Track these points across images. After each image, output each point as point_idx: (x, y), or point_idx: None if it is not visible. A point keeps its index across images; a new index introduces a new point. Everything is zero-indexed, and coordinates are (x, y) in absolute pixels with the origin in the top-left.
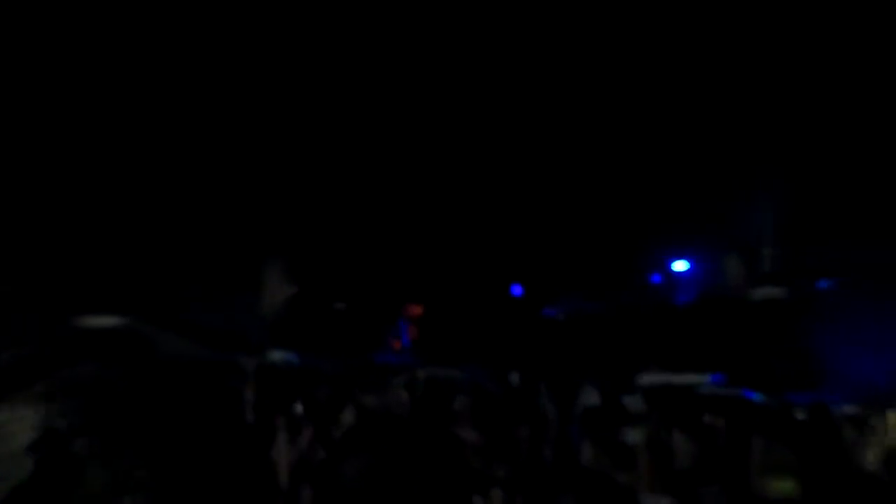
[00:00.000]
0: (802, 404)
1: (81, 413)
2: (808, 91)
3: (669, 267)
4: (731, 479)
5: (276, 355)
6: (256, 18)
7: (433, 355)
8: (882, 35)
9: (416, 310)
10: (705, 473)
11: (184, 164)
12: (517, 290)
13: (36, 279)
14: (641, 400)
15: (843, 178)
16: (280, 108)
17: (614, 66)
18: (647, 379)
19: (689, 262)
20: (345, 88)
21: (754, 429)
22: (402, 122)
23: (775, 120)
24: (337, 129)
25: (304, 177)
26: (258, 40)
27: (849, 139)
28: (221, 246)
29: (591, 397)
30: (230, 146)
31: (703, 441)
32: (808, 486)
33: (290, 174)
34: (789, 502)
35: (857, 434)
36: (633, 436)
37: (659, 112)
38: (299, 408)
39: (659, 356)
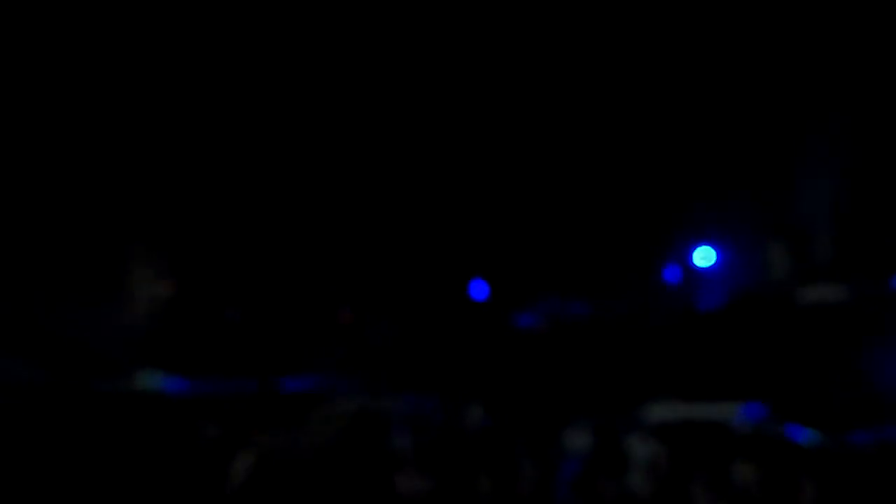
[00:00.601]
0: (869, 445)
1: None
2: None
3: (689, 259)
4: None
5: (146, 379)
6: None
7: (365, 379)
8: None
9: (344, 318)
10: None
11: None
12: (479, 289)
13: None
14: (650, 442)
15: None
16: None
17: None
18: (658, 412)
19: (715, 252)
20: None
21: (803, 480)
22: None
23: (830, 62)
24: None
25: (181, 149)
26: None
27: None
28: (71, 234)
29: (579, 438)
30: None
31: (734, 498)
32: None
33: (163, 146)
34: None
35: None
36: (639, 490)
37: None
38: (178, 451)
39: (674, 380)
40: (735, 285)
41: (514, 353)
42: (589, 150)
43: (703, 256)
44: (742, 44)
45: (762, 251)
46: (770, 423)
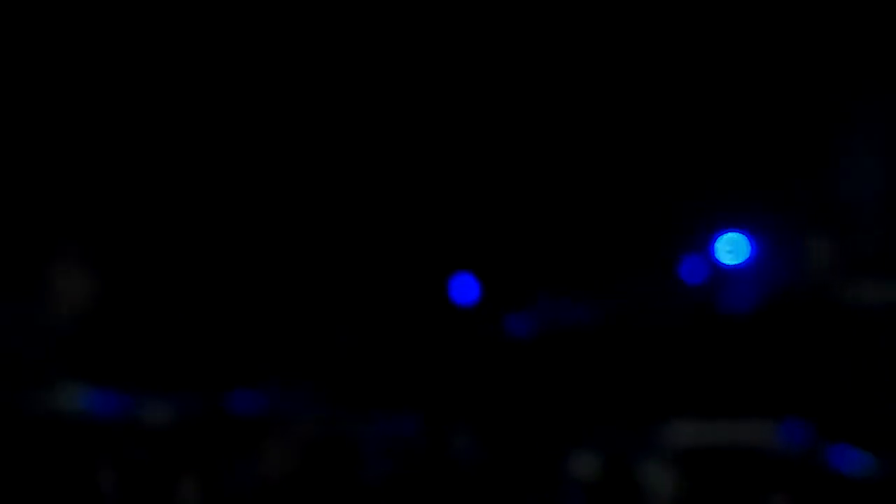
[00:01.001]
0: None
1: None
2: None
3: (714, 253)
4: None
5: (70, 393)
6: None
7: (330, 397)
8: None
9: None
10: None
11: None
12: (466, 289)
13: None
14: (668, 470)
15: None
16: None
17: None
18: (679, 434)
19: (746, 244)
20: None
21: None
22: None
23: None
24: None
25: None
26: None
27: None
28: None
29: (585, 465)
30: None
31: None
32: None
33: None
34: None
35: None
36: None
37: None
38: (107, 480)
39: (697, 396)
40: (768, 283)
41: (505, 366)
42: (593, 123)
43: (730, 249)
44: (778, 17)
45: (800, 243)
46: (813, 447)
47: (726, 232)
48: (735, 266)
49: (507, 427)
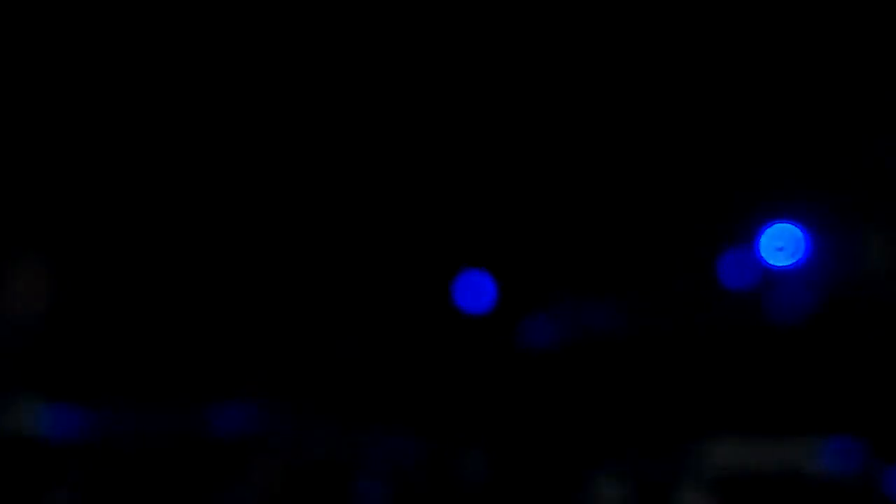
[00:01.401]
0: None
1: None
2: None
3: (759, 251)
4: None
5: (25, 408)
6: None
7: (323, 413)
8: None
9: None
10: None
11: None
12: (470, 291)
13: None
14: (705, 495)
15: None
16: None
17: None
18: (717, 455)
19: (798, 240)
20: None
21: None
22: None
23: None
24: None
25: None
26: None
27: None
28: None
29: (611, 489)
30: None
31: None
32: None
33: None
34: None
35: None
36: None
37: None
38: None
39: (738, 412)
40: (821, 285)
41: (521, 379)
42: (625, 106)
43: (779, 247)
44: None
45: (858, 240)
46: (868, 469)
47: (774, 226)
48: (784, 267)
49: (522, 448)
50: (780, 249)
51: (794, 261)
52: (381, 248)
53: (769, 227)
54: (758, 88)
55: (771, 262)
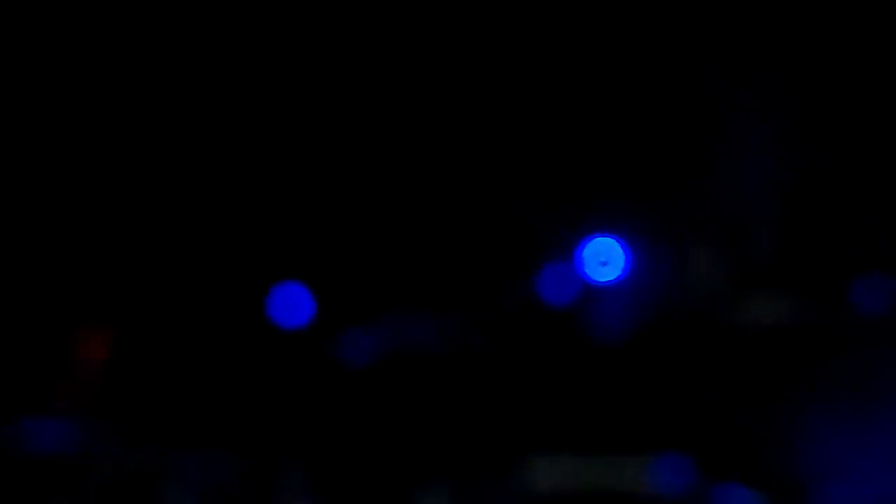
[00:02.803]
0: None
1: None
2: None
3: (580, 267)
4: None
5: None
6: None
7: (127, 428)
8: None
9: (97, 342)
10: None
11: None
12: (287, 303)
13: None
14: None
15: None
16: None
17: None
18: (540, 472)
19: (620, 253)
20: None
21: None
22: None
23: None
24: None
25: None
26: None
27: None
28: None
29: None
30: None
31: None
32: None
33: None
34: None
35: None
36: None
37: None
38: None
39: (562, 429)
40: (644, 301)
41: (341, 395)
42: (443, 111)
43: (600, 262)
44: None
45: (681, 255)
46: (695, 486)
47: (595, 241)
48: (606, 283)
49: (342, 466)
50: (602, 264)
51: (615, 275)
52: (198, 257)
53: (590, 241)
54: (576, 98)
55: (592, 276)
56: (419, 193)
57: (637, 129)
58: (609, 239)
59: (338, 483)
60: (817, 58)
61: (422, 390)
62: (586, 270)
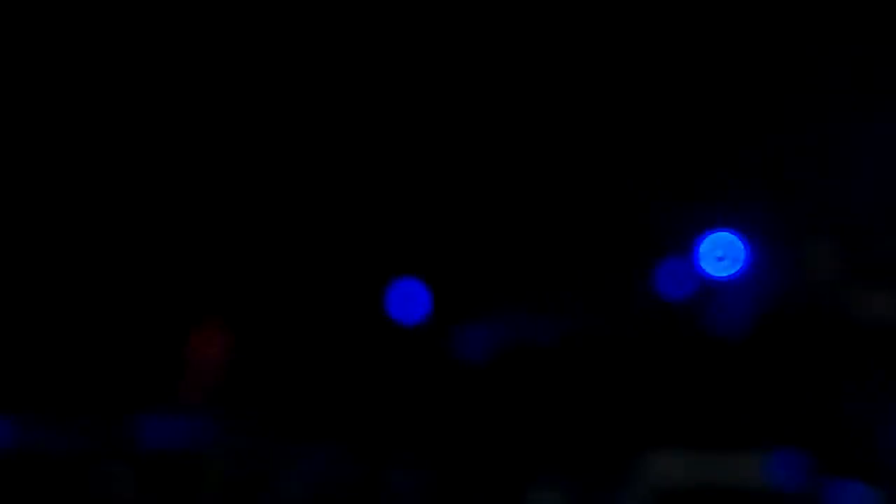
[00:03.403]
0: None
1: None
2: None
3: (698, 261)
4: None
5: None
6: None
7: (244, 425)
8: None
9: (214, 336)
10: None
11: None
12: (403, 300)
13: None
14: None
15: None
16: None
17: None
18: (657, 469)
19: (738, 249)
20: None
21: None
22: None
23: None
24: None
25: None
26: None
27: None
28: None
29: (548, 503)
30: None
31: None
32: None
33: None
34: None
35: None
36: None
37: None
38: None
39: (679, 425)
40: (762, 295)
41: (453, 390)
42: (553, 111)
43: (719, 256)
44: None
45: (801, 250)
46: (812, 482)
47: (714, 235)
48: (724, 277)
49: (455, 463)
50: (720, 259)
51: (734, 271)
52: (312, 255)
53: (709, 236)
54: (697, 98)
55: (710, 272)
56: (538, 190)
57: (757, 124)
58: (728, 234)
59: (453, 479)
60: None
61: (539, 386)
62: (705, 266)
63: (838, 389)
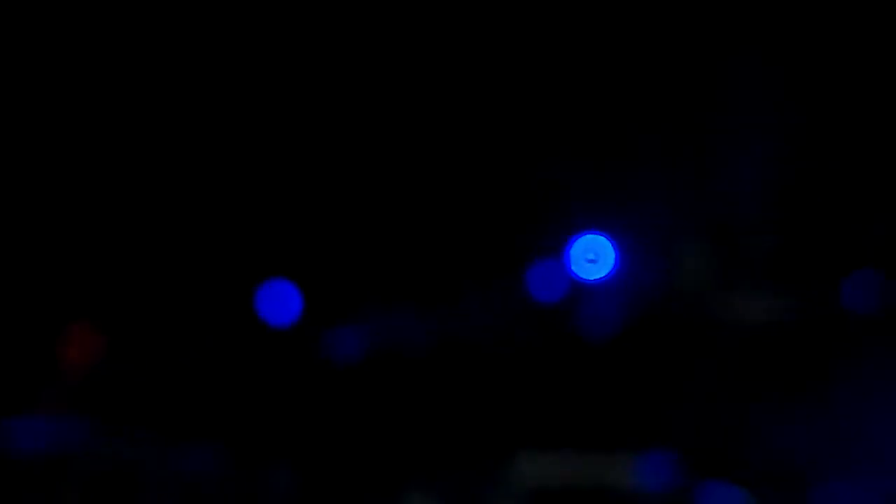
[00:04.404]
0: None
1: None
2: None
3: (568, 264)
4: None
5: None
6: None
7: (112, 424)
8: None
9: (81, 338)
10: None
11: None
12: (274, 302)
13: None
14: None
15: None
16: None
17: None
18: (528, 469)
19: (608, 254)
20: None
21: None
22: None
23: None
24: None
25: None
26: None
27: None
28: None
29: None
30: None
31: None
32: None
33: None
34: None
35: None
36: None
37: None
38: None
39: (548, 426)
40: (633, 298)
41: (328, 392)
42: (421, 107)
43: (590, 260)
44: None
45: (674, 253)
46: (682, 483)
47: (584, 238)
48: (594, 280)
49: (327, 465)
50: (591, 261)
51: (604, 273)
52: (183, 255)
53: (579, 238)
54: (568, 100)
55: (580, 274)
56: (408, 190)
57: (628, 126)
58: (598, 236)
59: (325, 481)
60: (813, 56)
61: (409, 388)
62: (575, 268)
63: (708, 391)
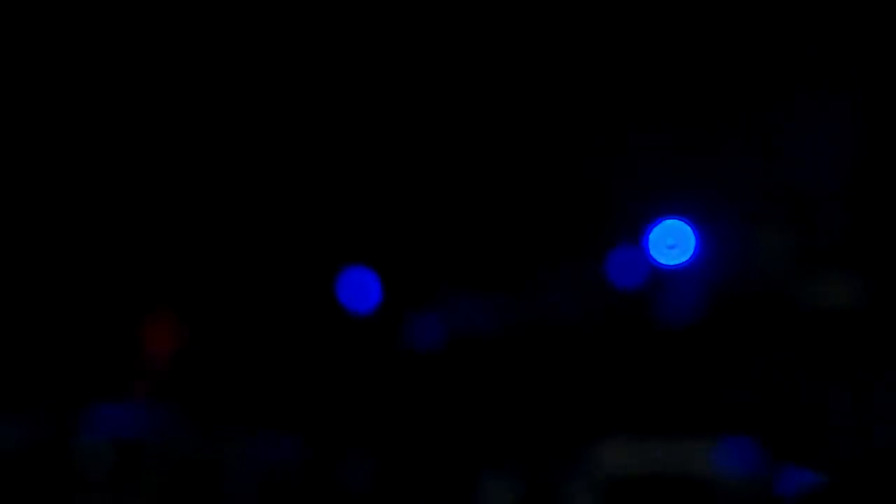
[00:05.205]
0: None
1: None
2: None
3: (648, 251)
4: None
5: None
6: None
7: (194, 413)
8: None
9: (164, 328)
10: None
11: None
12: (355, 289)
13: None
14: (595, 496)
15: None
16: None
17: None
18: (607, 456)
19: (688, 239)
20: None
21: None
22: None
23: None
24: None
25: None
26: None
27: None
28: None
29: (500, 493)
30: None
31: None
32: None
33: None
34: None
35: None
36: None
37: None
38: None
39: (629, 413)
40: (712, 283)
41: (405, 378)
42: (504, 102)
43: (670, 246)
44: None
45: (752, 238)
46: (761, 469)
47: (664, 224)
48: (674, 266)
49: (406, 451)
50: (671, 248)
51: (684, 259)
52: (264, 246)
53: (659, 224)
54: (650, 91)
55: (661, 260)
56: (491, 179)
57: (710, 114)
58: (678, 222)
59: (403, 467)
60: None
61: (490, 375)
62: (655, 254)
63: (789, 376)
